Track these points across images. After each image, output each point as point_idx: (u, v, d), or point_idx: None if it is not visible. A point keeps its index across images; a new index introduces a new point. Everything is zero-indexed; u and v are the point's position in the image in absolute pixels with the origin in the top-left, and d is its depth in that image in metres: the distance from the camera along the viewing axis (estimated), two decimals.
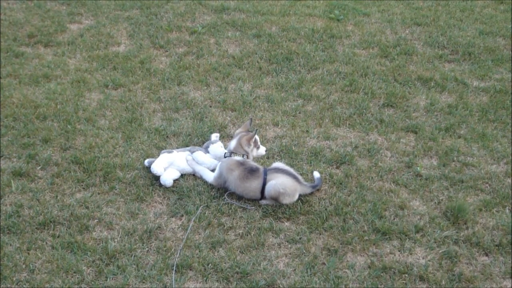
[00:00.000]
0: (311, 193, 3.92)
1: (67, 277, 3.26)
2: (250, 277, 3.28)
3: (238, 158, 3.94)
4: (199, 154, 4.14)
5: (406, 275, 3.33)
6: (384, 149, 4.49)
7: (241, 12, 7.10)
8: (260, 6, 7.28)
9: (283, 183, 3.74)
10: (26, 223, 3.63)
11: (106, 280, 3.24)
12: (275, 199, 3.79)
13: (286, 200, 3.79)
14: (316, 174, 4.04)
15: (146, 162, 4.16)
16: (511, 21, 7.09)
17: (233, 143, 3.99)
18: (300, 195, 3.85)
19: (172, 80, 5.45)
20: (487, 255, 3.51)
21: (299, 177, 3.88)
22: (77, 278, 3.26)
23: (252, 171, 3.85)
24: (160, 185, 4.00)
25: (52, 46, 6.14)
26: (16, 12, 7.02)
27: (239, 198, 3.91)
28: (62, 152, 4.34)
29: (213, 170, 4.08)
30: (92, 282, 3.23)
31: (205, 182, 4.02)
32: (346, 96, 5.25)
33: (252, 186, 3.82)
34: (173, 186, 3.99)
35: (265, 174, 3.83)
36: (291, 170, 3.91)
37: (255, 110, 4.97)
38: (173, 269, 3.31)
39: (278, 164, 3.98)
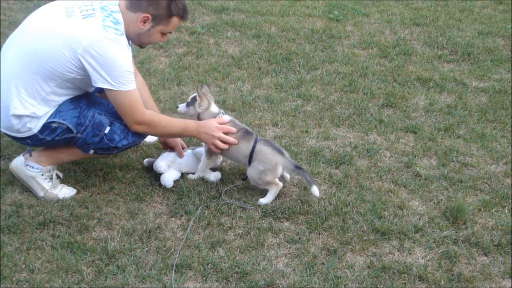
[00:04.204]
0: (308, 194, 3.87)
1: (67, 277, 3.26)
2: (249, 277, 3.28)
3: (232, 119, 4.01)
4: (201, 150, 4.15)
5: (405, 275, 3.34)
6: (384, 149, 4.50)
7: (240, 13, 7.11)
8: (259, 7, 7.28)
9: (261, 154, 3.76)
10: (26, 223, 3.63)
11: (106, 280, 3.24)
12: (259, 180, 3.78)
13: (269, 177, 3.76)
14: (315, 191, 3.80)
15: (145, 162, 4.16)
16: (510, 21, 7.10)
17: (214, 106, 4.01)
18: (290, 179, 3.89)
19: (172, 80, 5.45)
20: (486, 255, 3.51)
21: (285, 152, 3.87)
22: (77, 278, 3.26)
23: (247, 133, 3.90)
24: (160, 185, 4.00)
25: None
26: (16, 12, 7.02)
27: (239, 198, 3.91)
28: None
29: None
30: (92, 282, 3.23)
31: (204, 182, 4.02)
32: (345, 96, 5.25)
33: (243, 149, 3.84)
34: (172, 186, 4.00)
35: (255, 142, 3.83)
36: (278, 146, 3.92)
37: (254, 110, 4.98)
38: (172, 269, 3.32)
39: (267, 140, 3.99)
